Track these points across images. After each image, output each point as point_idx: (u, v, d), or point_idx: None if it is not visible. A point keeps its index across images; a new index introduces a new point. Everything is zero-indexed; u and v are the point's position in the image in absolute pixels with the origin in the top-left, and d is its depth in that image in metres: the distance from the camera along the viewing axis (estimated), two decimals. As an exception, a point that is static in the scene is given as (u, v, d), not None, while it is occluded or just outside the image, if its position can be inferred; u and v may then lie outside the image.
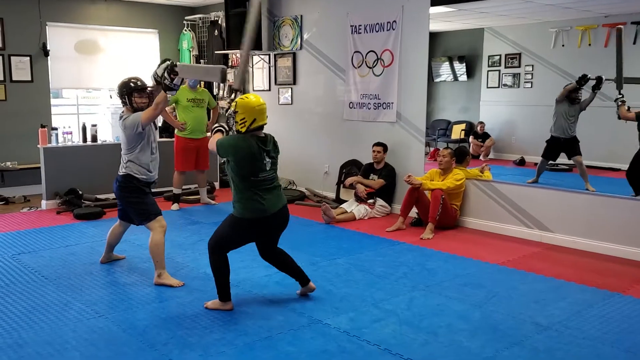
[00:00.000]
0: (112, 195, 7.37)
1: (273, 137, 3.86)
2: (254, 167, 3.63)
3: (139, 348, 3.28)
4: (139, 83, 4.45)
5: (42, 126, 7.07)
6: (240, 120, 3.64)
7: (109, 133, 8.39)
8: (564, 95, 6.19)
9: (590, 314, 3.79)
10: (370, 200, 6.65)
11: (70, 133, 7.34)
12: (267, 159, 3.69)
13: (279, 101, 8.31)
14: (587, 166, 6.21)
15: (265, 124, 3.76)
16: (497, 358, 3.18)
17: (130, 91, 4.38)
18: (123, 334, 3.47)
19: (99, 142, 7.48)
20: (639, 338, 3.44)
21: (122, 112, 4.49)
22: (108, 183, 7.29)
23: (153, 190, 6.63)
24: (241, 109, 3.64)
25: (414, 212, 6.19)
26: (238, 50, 8.33)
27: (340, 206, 6.71)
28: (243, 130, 3.65)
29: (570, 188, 5.60)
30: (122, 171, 4.44)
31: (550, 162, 6.54)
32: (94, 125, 7.50)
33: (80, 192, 7.06)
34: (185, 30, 9.34)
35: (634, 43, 5.91)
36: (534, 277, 4.55)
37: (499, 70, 7.18)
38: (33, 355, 3.19)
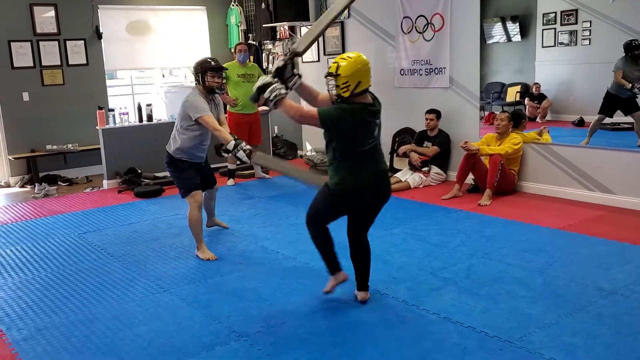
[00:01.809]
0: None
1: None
2: (363, 137, 3.22)
3: (203, 321, 3.38)
4: (213, 63, 4.48)
5: (100, 108, 7.27)
6: (343, 84, 3.15)
7: (163, 112, 8.57)
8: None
9: (658, 278, 3.67)
10: (425, 168, 6.58)
11: (127, 114, 7.52)
12: (378, 126, 3.29)
13: (328, 72, 8.25)
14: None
15: (370, 85, 3.26)
16: (560, 324, 3.12)
17: (204, 69, 4.42)
18: (187, 307, 3.59)
19: (154, 121, 7.64)
20: None
21: (188, 95, 4.51)
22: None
23: (211, 166, 6.77)
24: (343, 70, 3.14)
25: (470, 179, 6.09)
26: (286, 23, 8.31)
27: (394, 175, 6.66)
28: (346, 95, 3.18)
29: (633, 148, 5.38)
30: (169, 148, 4.60)
31: (611, 121, 6.29)
32: (149, 105, 7.66)
33: (139, 171, 7.26)
34: (233, 5, 9.35)
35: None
36: (596, 241, 4.42)
37: (555, 28, 6.89)
38: (103, 329, 3.34)
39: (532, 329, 3.08)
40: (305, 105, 3.48)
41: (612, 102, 6.09)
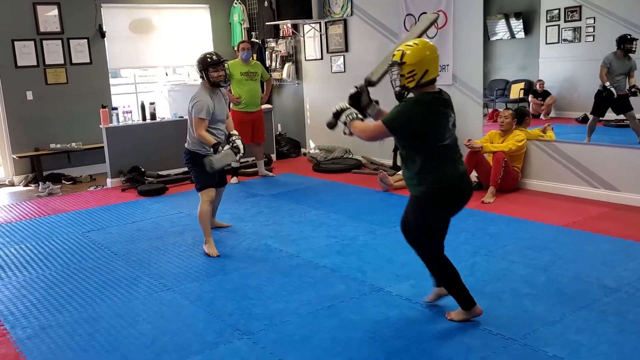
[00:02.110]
0: (173, 172, 7.58)
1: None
2: (439, 131, 2.95)
3: (206, 319, 3.39)
4: (214, 57, 4.56)
5: (103, 106, 7.29)
6: (408, 73, 2.91)
7: (166, 110, 8.59)
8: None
9: (662, 275, 3.66)
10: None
11: (130, 112, 7.54)
12: (452, 117, 3.02)
13: (331, 69, 8.26)
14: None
15: (438, 76, 3.02)
16: (564, 322, 3.12)
17: (206, 66, 4.50)
18: (191, 305, 3.59)
19: (157, 119, 7.65)
20: None
21: (195, 93, 4.61)
22: (169, 159, 7.57)
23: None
24: (409, 57, 2.90)
25: (473, 176, 6.08)
26: (289, 20, 8.30)
27: (398, 173, 6.65)
28: (412, 85, 2.94)
29: (637, 145, 5.36)
30: (187, 145, 4.65)
31: (616, 117, 6.27)
32: (152, 103, 7.67)
33: (142, 170, 7.27)
34: (236, 3, 9.35)
35: None
36: (600, 238, 4.41)
37: (558, 25, 6.87)
38: (107, 327, 3.35)
39: (536, 327, 3.07)
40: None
41: (603, 100, 6.07)
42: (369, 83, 3.32)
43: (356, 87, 3.30)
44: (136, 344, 3.13)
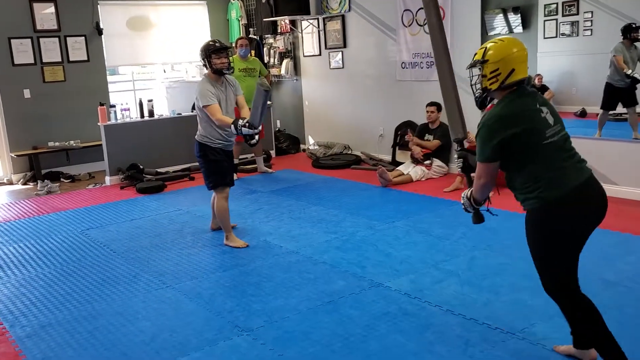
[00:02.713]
0: (172, 169, 7.58)
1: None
2: (536, 132, 2.44)
3: (206, 316, 3.39)
4: (217, 44, 4.46)
5: (101, 104, 7.28)
6: (491, 72, 2.52)
7: (165, 107, 8.58)
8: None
9: (661, 269, 3.66)
10: (427, 162, 6.57)
11: (128, 109, 7.53)
12: (545, 109, 2.50)
13: (330, 65, 8.25)
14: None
15: (526, 77, 2.56)
16: (562, 315, 3.11)
17: (209, 53, 4.41)
18: (190, 303, 3.60)
19: (156, 116, 7.64)
20: None
21: (199, 83, 4.53)
22: (167, 157, 7.56)
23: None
24: (492, 55, 2.51)
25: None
26: (287, 17, 8.28)
27: (397, 168, 6.66)
28: (494, 87, 2.54)
29: (635, 139, 5.36)
30: (197, 137, 4.60)
31: (614, 112, 6.26)
32: (150, 101, 7.67)
33: (141, 167, 7.27)
34: (233, -1, 9.34)
35: None
36: (599, 232, 4.35)
37: (556, 19, 6.85)
38: (106, 325, 3.35)
39: (535, 321, 3.08)
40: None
41: (612, 94, 6.06)
42: (460, 141, 3.03)
43: (458, 155, 2.96)
44: (135, 341, 3.14)
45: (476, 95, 2.69)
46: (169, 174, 7.36)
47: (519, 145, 2.45)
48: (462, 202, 2.86)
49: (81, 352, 3.07)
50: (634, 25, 5.87)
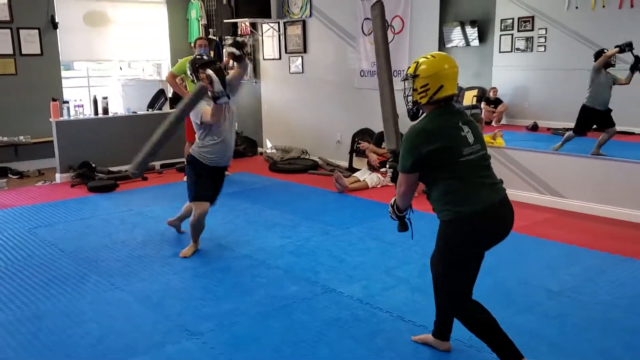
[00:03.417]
0: (125, 168, 7.43)
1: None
2: (454, 150, 2.54)
3: (154, 319, 3.34)
4: (204, 57, 4.32)
5: (54, 100, 7.09)
6: (421, 87, 2.60)
7: (120, 105, 8.42)
8: (603, 63, 5.82)
9: (602, 280, 3.79)
10: (383, 169, 6.64)
11: (82, 106, 7.37)
12: (466, 128, 2.60)
13: (290, 70, 8.26)
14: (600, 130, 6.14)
15: (455, 94, 2.66)
16: (508, 324, 3.17)
17: (195, 68, 4.22)
18: (139, 305, 3.53)
19: (110, 114, 7.51)
20: (651, 303, 3.44)
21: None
22: (120, 155, 7.42)
23: (167, 161, 6.69)
24: (424, 71, 2.59)
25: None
26: (248, 19, 8.26)
27: (353, 175, 6.71)
28: (424, 101, 2.62)
29: (582, 153, 5.55)
30: (191, 149, 4.44)
31: (563, 126, 6.46)
32: (105, 98, 7.52)
33: (93, 165, 7.11)
34: (194, -1, 9.25)
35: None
36: (546, 243, 4.55)
37: (512, 34, 7.04)
38: (51, 327, 3.26)
39: (482, 329, 3.13)
40: None
41: (588, 117, 5.98)
42: (393, 152, 2.96)
43: (389, 166, 3.03)
44: (81, 344, 3.06)
45: (407, 107, 2.77)
46: (122, 173, 7.22)
47: (435, 161, 2.55)
48: (388, 210, 2.94)
49: (22, 354, 2.98)
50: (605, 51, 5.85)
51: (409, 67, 2.70)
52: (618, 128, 5.89)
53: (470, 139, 2.58)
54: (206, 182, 4.35)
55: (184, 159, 7.19)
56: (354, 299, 3.55)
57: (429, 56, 2.65)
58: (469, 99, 7.61)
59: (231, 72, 4.38)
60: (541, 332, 3.11)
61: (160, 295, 3.66)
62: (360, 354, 2.92)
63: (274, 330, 3.17)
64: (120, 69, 9.65)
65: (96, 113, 7.41)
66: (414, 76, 2.64)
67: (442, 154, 2.53)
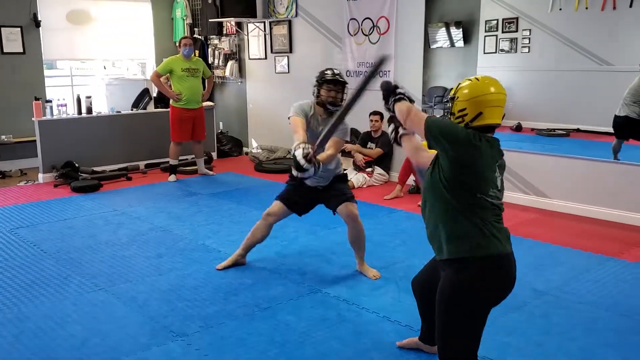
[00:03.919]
0: (109, 168, 7.37)
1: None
2: (484, 178, 2.24)
3: (139, 321, 3.31)
4: (334, 74, 3.88)
5: (36, 99, 7.01)
6: (459, 111, 2.30)
7: (104, 104, 8.35)
8: None
9: (586, 279, 3.83)
10: (369, 169, 6.65)
11: (65, 105, 7.29)
12: (498, 172, 2.29)
13: (275, 70, 8.24)
14: (587, 131, 6.20)
15: (499, 125, 2.32)
16: (495, 324, 3.20)
17: (321, 82, 3.87)
18: (124, 306, 3.50)
19: (94, 113, 7.43)
20: (633, 301, 3.48)
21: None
22: (104, 155, 7.37)
23: (152, 161, 6.67)
24: (463, 94, 2.30)
25: (411, 180, 6.20)
26: (233, 19, 8.23)
27: (338, 175, 6.69)
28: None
29: (567, 153, 5.59)
30: None
31: (547, 126, 6.52)
32: (89, 97, 7.45)
33: (76, 165, 7.04)
34: (178, -2, 9.20)
35: (630, 6, 5.82)
36: (531, 243, 4.58)
37: (496, 36, 7.09)
38: (34, 329, 3.22)
39: (468, 329, 3.15)
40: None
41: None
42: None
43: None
44: (64, 346, 3.03)
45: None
46: (106, 173, 7.16)
47: (455, 183, 2.24)
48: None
49: (5, 357, 2.93)
50: None
51: (452, 89, 2.42)
52: (596, 128, 5.95)
53: (499, 183, 2.30)
54: (290, 188, 4.07)
55: (168, 159, 7.15)
56: (340, 300, 3.55)
57: (472, 78, 2.36)
58: (454, 99, 7.64)
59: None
60: (527, 331, 3.13)
61: (146, 297, 3.63)
62: (346, 354, 2.91)
63: (260, 331, 3.16)
64: (104, 68, 9.57)
65: (80, 112, 7.33)
66: (452, 98, 2.35)
67: (470, 176, 2.24)
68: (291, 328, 3.19)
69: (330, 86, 3.83)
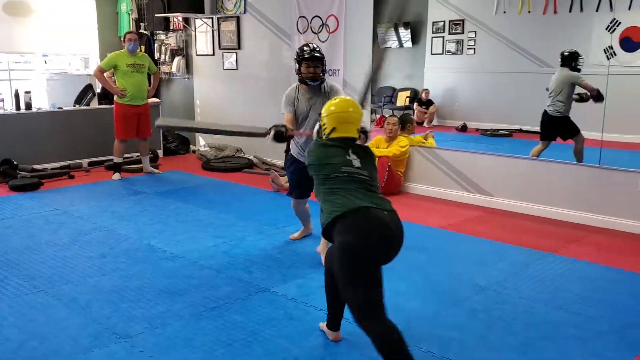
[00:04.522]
0: (50, 166, 7.14)
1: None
2: (333, 164, 2.80)
3: (81, 322, 3.22)
4: (310, 50, 3.97)
5: (-28, 93, 6.73)
6: (322, 124, 2.95)
7: (44, 100, 8.08)
8: None
9: (526, 274, 3.95)
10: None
11: (2, 100, 7.03)
12: (354, 156, 2.84)
13: (223, 66, 8.15)
14: (529, 131, 6.41)
15: (353, 137, 2.92)
16: (438, 319, 3.28)
17: (300, 60, 3.97)
18: (64, 308, 3.40)
19: (34, 109, 7.19)
20: (569, 295, 3.61)
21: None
22: (45, 153, 7.14)
23: (95, 159, 6.54)
24: (324, 110, 2.95)
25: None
26: (180, 14, 8.10)
27: (287, 173, 6.70)
28: (323, 137, 2.95)
29: (509, 153, 5.76)
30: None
31: (491, 127, 6.69)
32: (28, 92, 7.19)
33: (15, 163, 6.78)
34: (124, -8, 8.99)
35: (570, 11, 6.03)
36: (474, 240, 4.69)
37: (443, 37, 7.22)
38: (-31, 333, 3.09)
39: (412, 324, 3.20)
40: None
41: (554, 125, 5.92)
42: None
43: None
44: (0, 350, 2.91)
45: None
46: (47, 171, 6.93)
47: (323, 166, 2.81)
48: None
49: (-64, 364, 2.81)
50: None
51: None
52: (537, 128, 6.14)
53: (356, 163, 2.82)
54: (294, 176, 4.30)
55: (112, 157, 6.98)
56: (289, 298, 3.55)
57: (335, 98, 3.00)
58: (402, 99, 7.76)
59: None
60: (469, 326, 3.20)
61: (88, 298, 3.53)
62: (294, 352, 2.91)
63: (207, 331, 3.12)
64: (45, 62, 9.25)
65: (18, 108, 7.08)
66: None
67: (323, 169, 2.84)
68: (239, 327, 3.17)
69: (309, 62, 3.95)
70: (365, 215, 2.60)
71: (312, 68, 3.94)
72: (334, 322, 3.00)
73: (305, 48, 4.02)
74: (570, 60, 5.76)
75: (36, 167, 6.97)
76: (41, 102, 7.86)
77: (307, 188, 4.14)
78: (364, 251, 2.53)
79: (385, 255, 2.64)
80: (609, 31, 5.58)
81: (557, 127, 5.80)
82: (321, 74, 3.99)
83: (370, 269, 2.55)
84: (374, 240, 2.56)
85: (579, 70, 5.74)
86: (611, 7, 5.60)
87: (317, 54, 3.97)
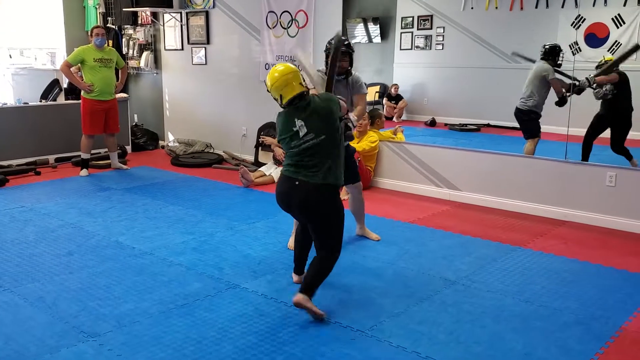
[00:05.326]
0: (15, 162, 7.00)
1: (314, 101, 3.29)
2: (284, 140, 3.37)
3: (48, 321, 3.17)
4: (345, 43, 4.03)
5: None
6: (274, 98, 3.33)
7: (10, 95, 7.92)
8: None
9: (494, 268, 4.01)
10: (287, 163, 6.66)
11: (-35, 95, 6.85)
12: (299, 122, 3.25)
13: (192, 61, 8.08)
14: (496, 126, 6.49)
15: (296, 94, 3.22)
16: (408, 313, 3.31)
17: (327, 51, 4.04)
18: (30, 307, 3.34)
19: (-2, 105, 7.04)
20: (536, 289, 3.68)
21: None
22: (11, 149, 7.00)
23: (62, 155, 6.42)
24: (268, 84, 3.28)
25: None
26: (148, 8, 7.99)
27: (259, 169, 6.68)
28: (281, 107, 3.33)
29: (477, 148, 5.83)
30: None
31: (459, 121, 6.77)
32: (-8, 87, 7.04)
33: (-21, 159, 6.64)
34: (90, -15, 8.83)
35: (536, 7, 6.13)
36: (442, 234, 4.75)
37: (412, 32, 7.26)
38: None
39: (383, 319, 3.23)
40: None
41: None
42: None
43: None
44: (-36, 352, 2.86)
45: None
46: (12, 167, 6.79)
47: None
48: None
49: None
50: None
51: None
52: (505, 123, 6.24)
53: (304, 134, 3.21)
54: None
55: (79, 153, 6.87)
56: (259, 294, 3.55)
57: (272, 70, 3.27)
58: (371, 94, 7.78)
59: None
60: (439, 319, 3.25)
61: (55, 296, 3.48)
62: (264, 348, 2.92)
63: (176, 329, 3.10)
64: (10, 56, 9.05)
65: (-19, 103, 6.91)
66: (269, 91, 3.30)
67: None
68: (208, 324, 3.16)
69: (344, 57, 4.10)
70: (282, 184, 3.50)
71: (343, 62, 4.07)
72: (300, 268, 3.66)
73: (345, 41, 4.08)
74: (549, 54, 5.77)
75: (1, 163, 6.83)
76: (6, 97, 7.70)
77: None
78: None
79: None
80: (574, 27, 5.69)
81: (521, 121, 5.88)
82: (349, 67, 4.20)
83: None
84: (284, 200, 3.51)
85: (559, 66, 5.76)
86: (576, 3, 5.71)
87: (349, 50, 4.15)
